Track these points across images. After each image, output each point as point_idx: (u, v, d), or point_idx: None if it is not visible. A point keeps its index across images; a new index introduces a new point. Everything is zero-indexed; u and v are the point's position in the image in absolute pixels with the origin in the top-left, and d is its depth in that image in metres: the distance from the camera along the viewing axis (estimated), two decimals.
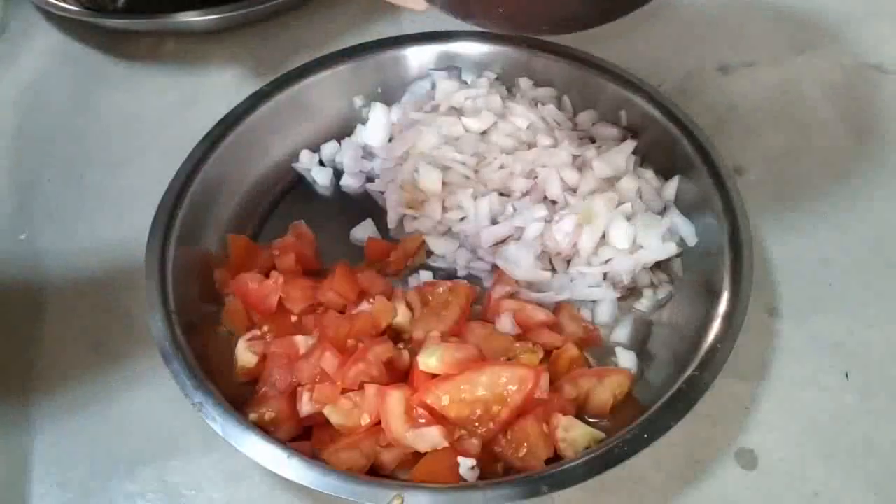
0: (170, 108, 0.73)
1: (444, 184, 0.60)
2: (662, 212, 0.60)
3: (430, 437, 0.45)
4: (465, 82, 0.67)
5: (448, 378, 0.47)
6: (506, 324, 0.52)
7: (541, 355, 0.51)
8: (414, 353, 0.50)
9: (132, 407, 0.54)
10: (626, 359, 0.54)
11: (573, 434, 0.47)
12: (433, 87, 0.67)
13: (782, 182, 0.65)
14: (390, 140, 0.65)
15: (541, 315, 0.53)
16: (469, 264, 0.59)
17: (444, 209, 0.60)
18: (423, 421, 0.46)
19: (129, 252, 0.58)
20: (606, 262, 0.56)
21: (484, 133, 0.63)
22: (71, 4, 0.76)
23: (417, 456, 0.46)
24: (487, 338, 0.52)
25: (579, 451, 0.47)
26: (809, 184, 0.65)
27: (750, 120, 0.69)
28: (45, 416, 0.54)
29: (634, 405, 0.50)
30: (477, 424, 0.46)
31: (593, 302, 0.56)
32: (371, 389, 0.47)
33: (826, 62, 0.74)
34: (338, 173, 0.66)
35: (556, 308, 0.56)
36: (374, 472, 0.47)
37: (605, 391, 0.50)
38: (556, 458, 0.47)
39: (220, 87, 0.74)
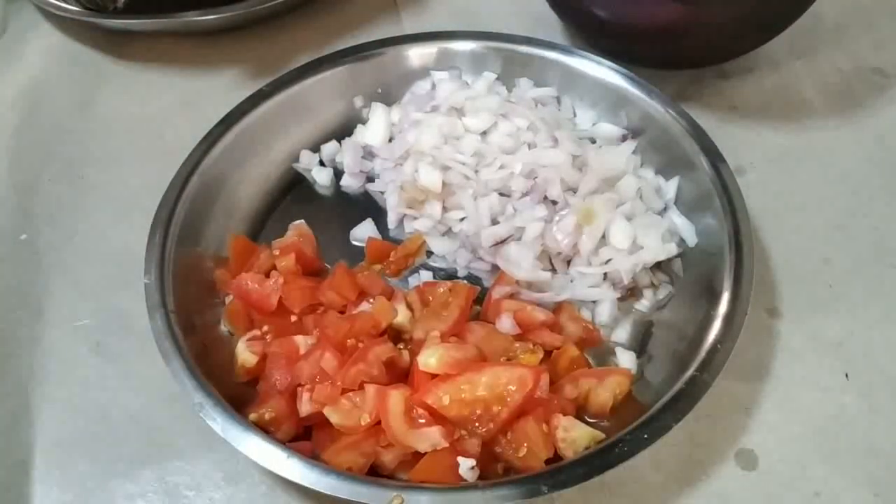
0: (170, 108, 0.73)
1: (444, 184, 0.60)
2: (662, 212, 0.60)
3: (430, 438, 0.45)
4: (466, 82, 0.67)
5: (448, 378, 0.47)
6: (506, 324, 0.52)
7: (541, 355, 0.51)
8: (414, 354, 0.50)
9: (132, 407, 0.54)
10: (626, 359, 0.54)
11: (573, 434, 0.47)
12: (433, 87, 0.67)
13: (782, 182, 0.65)
14: (390, 140, 0.65)
15: (541, 315, 0.53)
16: (469, 264, 0.59)
17: (445, 209, 0.60)
18: (422, 421, 0.46)
19: (129, 252, 0.58)
20: (606, 262, 0.56)
21: (484, 133, 0.63)
22: (71, 4, 0.76)
23: (417, 456, 0.46)
24: (487, 338, 0.52)
25: (579, 451, 0.47)
26: (809, 184, 0.65)
27: (750, 121, 0.69)
28: (46, 416, 0.54)
29: (634, 405, 0.50)
30: (477, 424, 0.46)
31: (593, 302, 0.56)
32: (371, 389, 0.47)
33: (825, 66, 0.74)
34: (338, 173, 0.66)
35: (557, 308, 0.56)
36: (374, 473, 0.47)
37: (606, 391, 0.50)
38: (556, 458, 0.47)
39: (220, 88, 0.74)
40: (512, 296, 0.55)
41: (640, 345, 0.55)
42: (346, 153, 0.65)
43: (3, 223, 0.64)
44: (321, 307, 0.55)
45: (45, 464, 0.52)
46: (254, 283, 0.54)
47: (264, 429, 0.48)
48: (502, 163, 0.60)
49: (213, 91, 0.73)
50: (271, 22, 0.79)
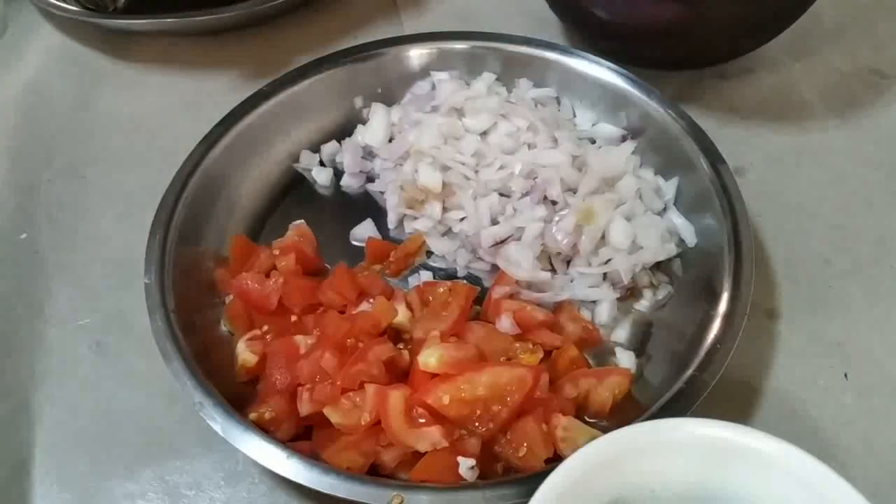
0: (170, 108, 0.73)
1: (444, 184, 0.60)
2: (662, 212, 0.60)
3: (430, 437, 0.45)
4: (466, 83, 0.67)
5: (448, 378, 0.47)
6: (506, 324, 0.52)
7: (540, 355, 0.51)
8: (414, 353, 0.50)
9: (132, 407, 0.54)
10: (626, 359, 0.54)
11: (573, 434, 0.47)
12: (433, 87, 0.67)
13: (782, 182, 0.65)
14: (390, 140, 0.65)
15: (540, 315, 0.53)
16: (469, 264, 0.59)
17: (444, 209, 0.60)
18: (422, 421, 0.46)
19: (129, 252, 0.58)
20: (606, 262, 0.56)
21: (484, 133, 0.63)
22: (71, 4, 0.76)
23: (417, 456, 0.46)
24: (487, 338, 0.52)
25: None
26: (809, 184, 0.65)
27: (749, 121, 0.69)
28: (46, 415, 0.54)
29: (634, 405, 0.50)
30: (477, 424, 0.46)
31: (593, 302, 0.56)
32: (371, 389, 0.47)
33: (824, 67, 0.74)
34: (338, 173, 0.66)
35: (556, 308, 0.56)
36: (374, 472, 0.47)
37: (605, 391, 0.50)
38: (555, 458, 0.47)
39: (220, 88, 0.74)
40: (512, 296, 0.55)
41: (639, 345, 0.55)
42: (346, 153, 0.65)
43: (3, 223, 0.64)
44: (321, 307, 0.55)
45: (45, 463, 0.52)
46: (254, 283, 0.54)
47: (264, 428, 0.48)
48: (502, 163, 0.60)
49: (213, 91, 0.74)
50: (271, 22, 0.79)
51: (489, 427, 0.46)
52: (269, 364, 0.51)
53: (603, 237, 0.57)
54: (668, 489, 0.39)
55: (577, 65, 0.66)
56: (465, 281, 0.58)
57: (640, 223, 0.57)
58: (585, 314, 0.56)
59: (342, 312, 0.54)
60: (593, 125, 0.66)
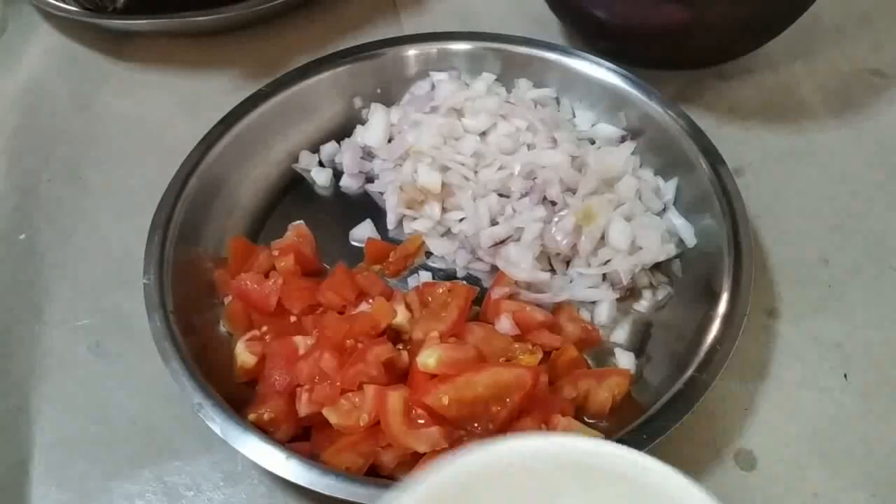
0: (169, 108, 0.73)
1: (443, 184, 0.60)
2: (662, 213, 0.60)
3: (430, 438, 0.45)
4: (465, 83, 0.67)
5: (447, 378, 0.47)
6: (505, 324, 0.52)
7: (540, 356, 0.51)
8: (413, 354, 0.50)
9: (131, 407, 0.54)
10: (626, 359, 0.54)
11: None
12: (433, 87, 0.67)
13: (781, 183, 0.65)
14: (390, 141, 0.65)
15: (540, 316, 0.53)
16: (468, 265, 0.59)
17: (444, 210, 0.60)
18: (422, 421, 0.46)
19: (128, 252, 0.58)
20: (606, 262, 0.56)
21: (483, 134, 0.63)
22: (71, 4, 0.76)
23: (416, 456, 0.46)
24: (486, 338, 0.52)
25: None
26: (808, 185, 0.65)
27: (749, 122, 0.69)
28: (45, 416, 0.54)
29: (633, 406, 0.50)
30: (476, 425, 0.46)
31: (592, 303, 0.56)
32: (370, 390, 0.47)
33: (824, 68, 0.74)
34: (337, 174, 0.66)
35: (556, 309, 0.56)
36: (373, 473, 0.47)
37: (604, 392, 0.50)
38: None
39: (219, 88, 0.74)
40: (511, 296, 0.55)
41: (638, 345, 0.55)
42: (345, 154, 0.65)
43: (3, 223, 0.64)
44: (320, 308, 0.55)
45: (44, 464, 0.51)
46: (253, 284, 0.54)
47: (263, 429, 0.48)
48: (501, 163, 0.60)
49: (212, 91, 0.73)
50: (271, 22, 0.79)
51: (488, 428, 0.46)
52: (268, 365, 0.51)
53: (602, 238, 0.57)
54: None
55: (576, 65, 0.66)
56: (464, 281, 0.58)
57: (640, 224, 0.57)
58: (585, 315, 0.56)
59: (341, 313, 0.54)
60: (593, 125, 0.66)
